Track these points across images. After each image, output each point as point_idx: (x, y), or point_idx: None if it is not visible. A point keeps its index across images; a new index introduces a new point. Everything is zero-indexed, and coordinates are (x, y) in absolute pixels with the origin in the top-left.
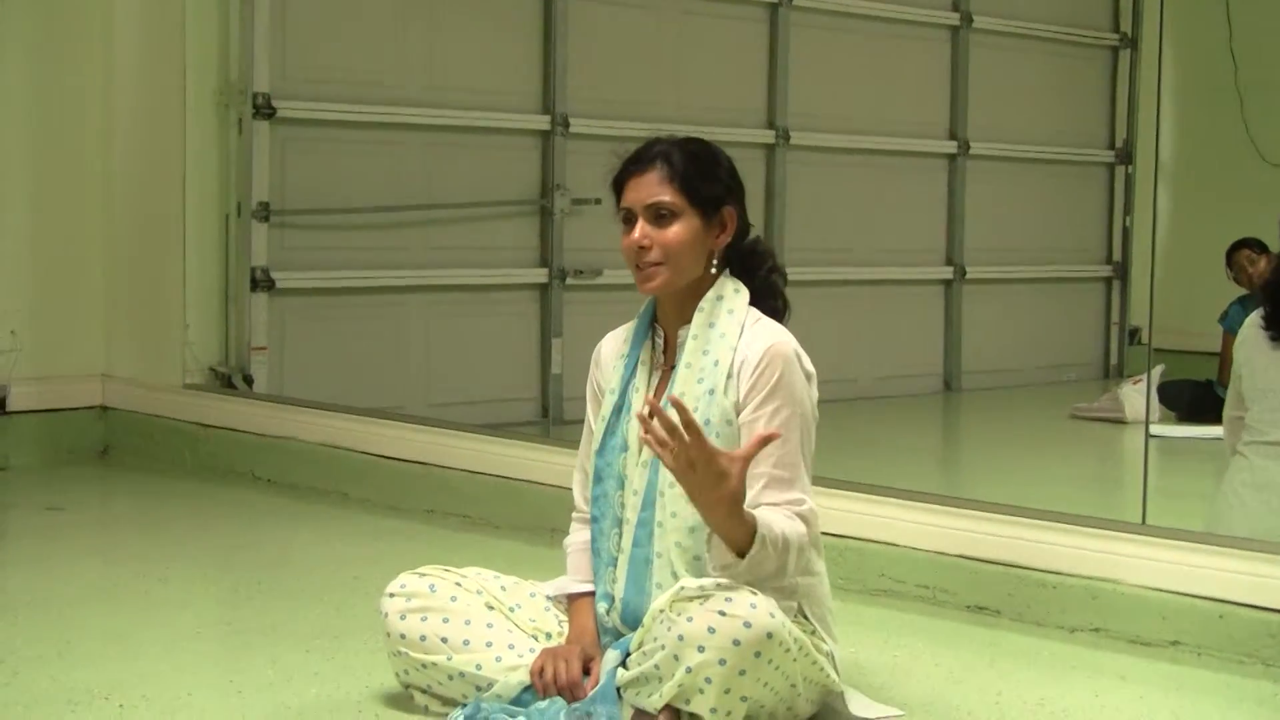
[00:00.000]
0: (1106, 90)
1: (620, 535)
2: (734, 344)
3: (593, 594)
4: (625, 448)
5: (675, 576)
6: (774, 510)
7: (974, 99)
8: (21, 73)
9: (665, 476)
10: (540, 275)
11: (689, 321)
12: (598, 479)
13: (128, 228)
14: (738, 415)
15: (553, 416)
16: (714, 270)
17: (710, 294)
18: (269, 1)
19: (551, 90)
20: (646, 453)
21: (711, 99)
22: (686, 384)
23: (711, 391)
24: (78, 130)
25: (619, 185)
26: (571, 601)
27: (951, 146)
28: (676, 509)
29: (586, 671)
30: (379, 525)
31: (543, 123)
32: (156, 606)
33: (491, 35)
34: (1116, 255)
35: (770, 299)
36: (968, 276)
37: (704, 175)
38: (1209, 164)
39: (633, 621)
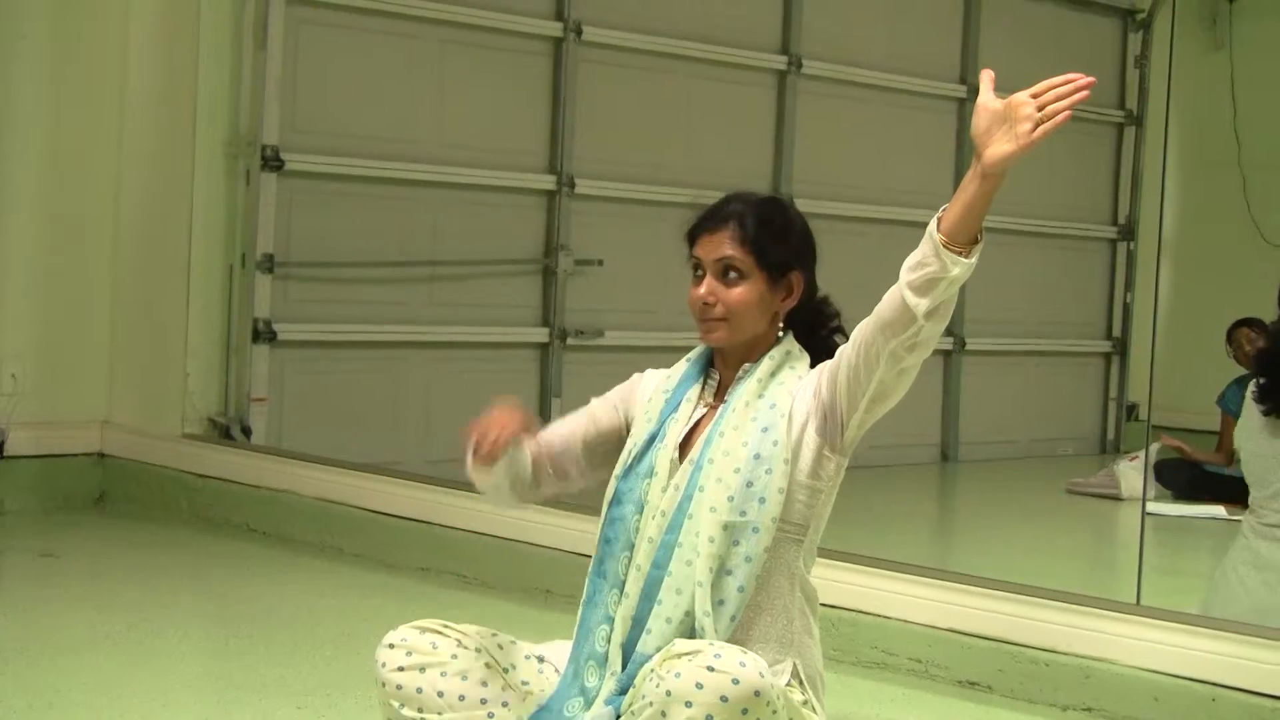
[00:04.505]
0: (1110, 166)
1: (631, 558)
2: (791, 390)
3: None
4: (652, 474)
5: (678, 593)
6: None
7: None
8: (35, 116)
9: (700, 502)
10: (541, 335)
11: (750, 363)
12: (617, 501)
13: (133, 275)
14: (790, 452)
15: None
16: (780, 332)
17: (779, 350)
18: (280, 54)
19: (558, 150)
20: (678, 478)
21: (718, 163)
22: (741, 417)
23: (765, 429)
24: (87, 176)
25: (692, 237)
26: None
27: None
28: (700, 530)
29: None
30: (373, 582)
31: (549, 183)
32: (148, 657)
33: (500, 94)
34: (1116, 331)
35: (827, 357)
36: (967, 348)
37: (774, 239)
38: (1211, 242)
39: (631, 644)
